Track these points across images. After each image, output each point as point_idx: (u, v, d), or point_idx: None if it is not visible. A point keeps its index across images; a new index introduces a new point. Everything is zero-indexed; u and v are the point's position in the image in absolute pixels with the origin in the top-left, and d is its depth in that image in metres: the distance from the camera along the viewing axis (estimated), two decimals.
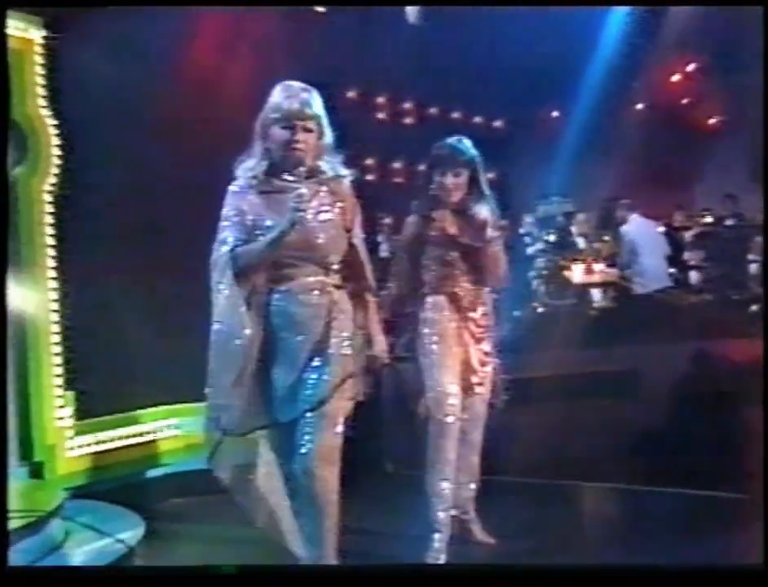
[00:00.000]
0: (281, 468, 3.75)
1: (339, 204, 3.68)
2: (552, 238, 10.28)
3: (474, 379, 4.58)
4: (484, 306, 4.64)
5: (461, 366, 4.53)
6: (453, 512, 4.58)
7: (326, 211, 3.64)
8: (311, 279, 3.60)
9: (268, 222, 3.51)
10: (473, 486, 4.77)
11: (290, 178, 3.55)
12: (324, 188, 3.66)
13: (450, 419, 4.43)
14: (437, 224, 4.50)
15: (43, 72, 6.01)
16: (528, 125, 11.63)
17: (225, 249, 3.51)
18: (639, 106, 12.71)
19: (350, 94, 9.95)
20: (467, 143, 4.56)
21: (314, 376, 3.57)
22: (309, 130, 3.57)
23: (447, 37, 9.52)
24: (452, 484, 4.48)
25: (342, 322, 3.63)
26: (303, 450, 3.54)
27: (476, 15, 9.08)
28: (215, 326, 3.60)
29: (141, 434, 6.28)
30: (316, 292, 3.60)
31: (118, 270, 5.92)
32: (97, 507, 5.53)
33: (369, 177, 10.95)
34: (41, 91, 5.99)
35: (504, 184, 12.14)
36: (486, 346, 4.65)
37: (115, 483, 5.93)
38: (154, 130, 6.09)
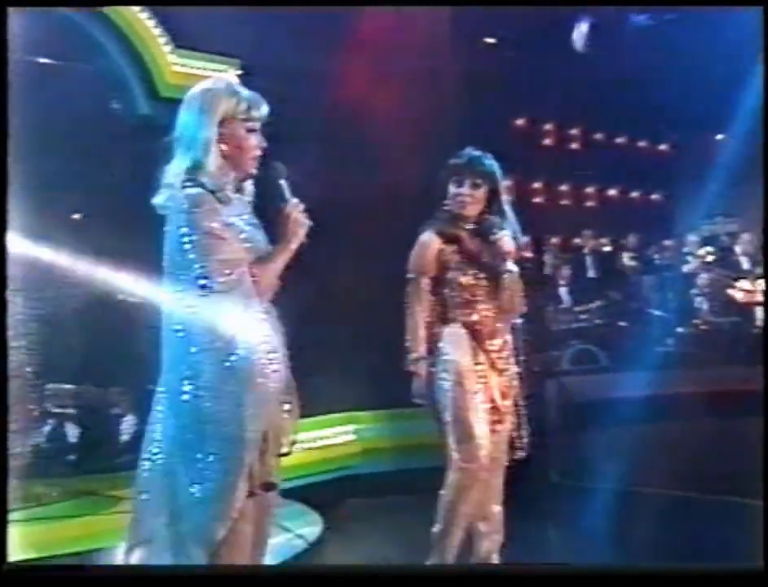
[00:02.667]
0: None
1: None
2: (715, 257, 9.86)
3: (495, 417, 3.80)
4: (505, 333, 3.86)
5: (483, 404, 3.77)
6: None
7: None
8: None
9: (246, 234, 2.84)
10: (496, 537, 3.87)
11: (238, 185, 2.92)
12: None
13: (476, 466, 3.71)
14: (453, 244, 3.80)
15: None
16: (692, 148, 11.27)
17: (238, 270, 2.73)
18: None
19: (519, 121, 9.90)
20: (489, 158, 3.85)
21: None
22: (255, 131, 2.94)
23: (612, 65, 9.37)
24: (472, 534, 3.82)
25: None
26: None
27: (641, 44, 8.92)
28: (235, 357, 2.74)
29: (320, 439, 6.38)
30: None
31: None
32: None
33: (537, 199, 10.90)
34: None
35: (669, 205, 11.92)
36: (507, 378, 3.86)
37: (295, 483, 6.03)
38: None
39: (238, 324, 2.72)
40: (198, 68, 6.26)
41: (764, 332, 5.70)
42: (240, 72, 6.39)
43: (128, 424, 6.96)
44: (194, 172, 2.78)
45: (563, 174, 11.33)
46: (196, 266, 2.70)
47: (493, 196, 3.81)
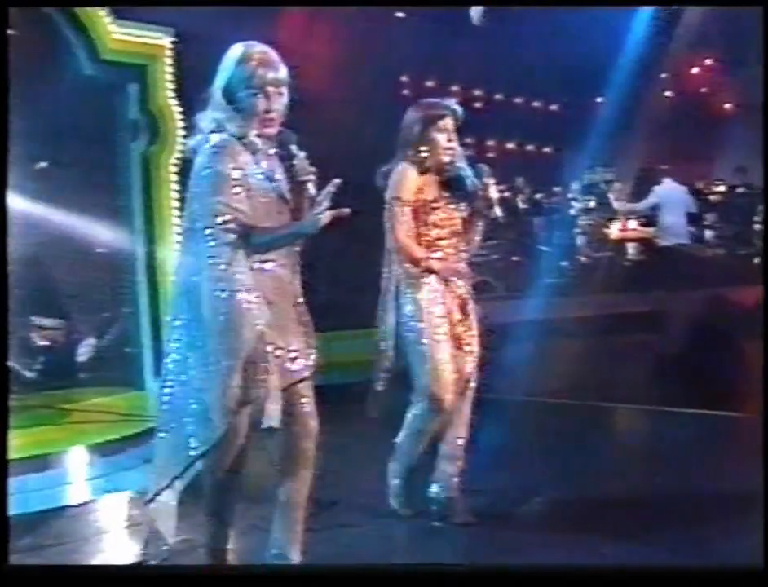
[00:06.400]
0: None
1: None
2: (594, 201, 10.22)
3: (467, 348, 3.59)
4: (464, 272, 3.61)
5: (450, 339, 3.53)
6: (435, 488, 3.69)
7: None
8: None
9: (258, 176, 2.75)
10: (459, 464, 3.68)
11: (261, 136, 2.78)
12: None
13: (449, 397, 3.50)
14: (428, 185, 3.54)
15: (171, 70, 6.32)
16: (578, 109, 11.51)
17: (225, 217, 2.64)
18: (667, 93, 12.72)
19: (429, 83, 9.98)
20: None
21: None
22: (281, 95, 2.79)
23: (509, 37, 9.52)
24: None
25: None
26: None
27: (532, 19, 9.08)
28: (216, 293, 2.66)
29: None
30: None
31: None
32: None
33: None
34: (169, 85, 6.32)
35: (557, 157, 12.18)
36: (469, 313, 3.62)
37: None
38: None
39: (229, 269, 2.63)
40: (134, 36, 6.17)
41: (764, 311, 6.05)
42: (173, 39, 6.27)
43: (87, 347, 6.99)
44: (223, 121, 2.73)
45: (469, 129, 11.44)
46: (207, 202, 2.65)
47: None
